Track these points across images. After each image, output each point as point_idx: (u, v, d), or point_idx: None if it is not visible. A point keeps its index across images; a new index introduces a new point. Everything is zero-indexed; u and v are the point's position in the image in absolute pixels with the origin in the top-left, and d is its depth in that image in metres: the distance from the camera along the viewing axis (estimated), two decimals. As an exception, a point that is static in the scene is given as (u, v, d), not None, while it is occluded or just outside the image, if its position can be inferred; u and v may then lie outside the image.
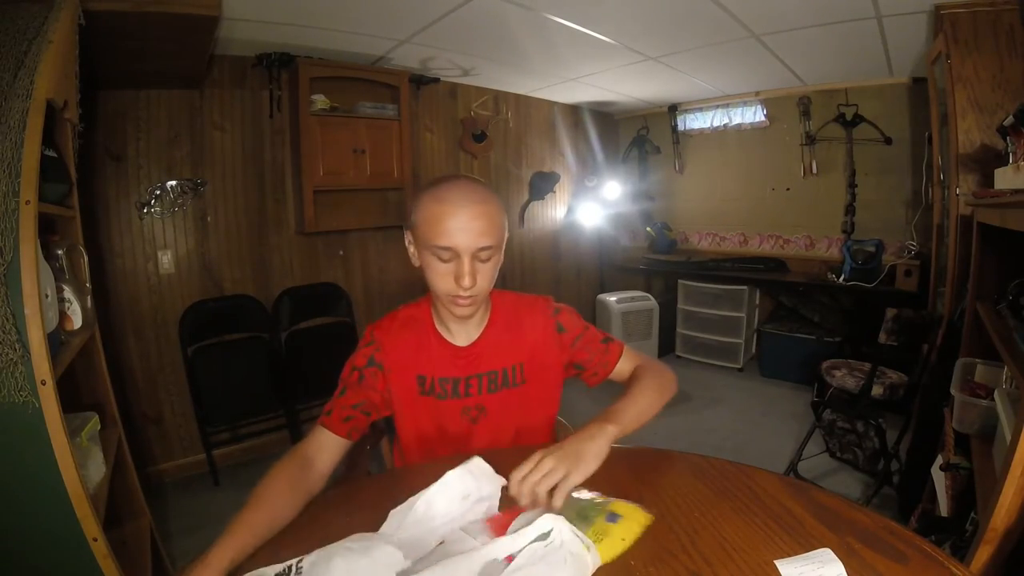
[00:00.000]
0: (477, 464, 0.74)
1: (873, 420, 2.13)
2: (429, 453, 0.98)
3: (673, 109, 3.99)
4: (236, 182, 2.57)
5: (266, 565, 0.61)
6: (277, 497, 0.75)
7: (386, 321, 0.98)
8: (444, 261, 0.83)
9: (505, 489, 0.71)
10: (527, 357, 0.97)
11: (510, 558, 0.58)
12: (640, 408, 0.83)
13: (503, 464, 0.74)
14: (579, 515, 0.68)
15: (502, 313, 0.98)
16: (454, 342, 0.95)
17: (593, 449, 0.73)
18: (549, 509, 0.66)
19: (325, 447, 0.87)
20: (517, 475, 0.69)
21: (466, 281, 0.81)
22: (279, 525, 0.72)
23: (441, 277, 0.84)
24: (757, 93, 3.58)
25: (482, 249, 0.82)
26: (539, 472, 0.68)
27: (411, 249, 0.90)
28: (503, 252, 0.89)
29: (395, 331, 0.96)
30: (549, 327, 0.98)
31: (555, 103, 3.91)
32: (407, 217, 0.88)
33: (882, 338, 2.45)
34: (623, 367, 0.99)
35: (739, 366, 3.66)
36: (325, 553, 0.59)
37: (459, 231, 0.80)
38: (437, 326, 0.96)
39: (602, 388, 1.04)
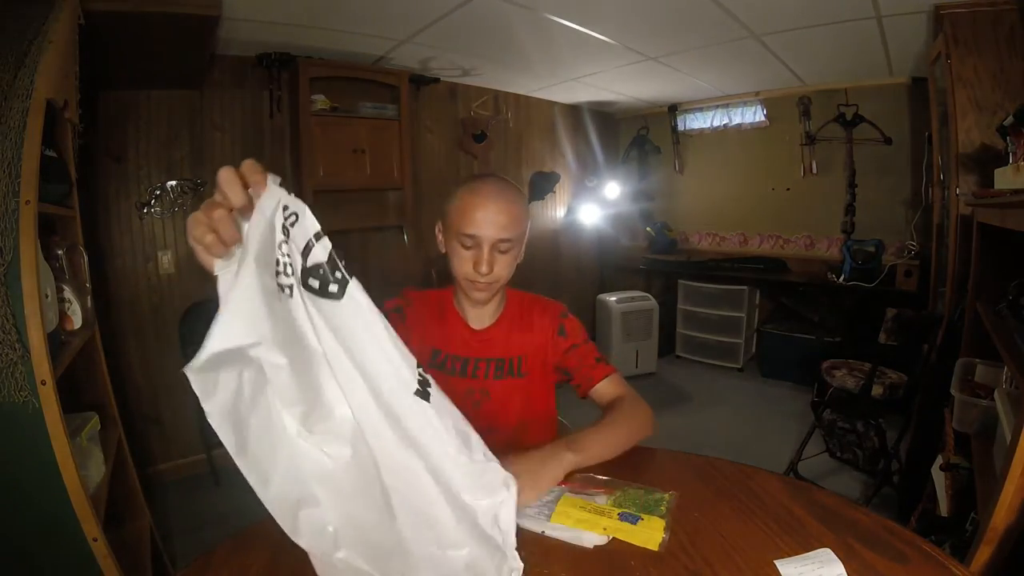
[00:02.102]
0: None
1: (873, 420, 2.13)
2: None
3: (673, 109, 3.99)
4: (236, 182, 2.56)
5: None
6: None
7: (418, 291, 1.07)
8: (467, 248, 0.91)
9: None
10: (530, 351, 1.03)
11: None
12: (607, 443, 0.83)
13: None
14: (643, 507, 0.70)
15: (516, 308, 1.06)
16: (470, 325, 1.03)
17: (548, 472, 0.73)
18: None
19: None
20: None
21: (483, 268, 0.89)
22: None
23: (463, 262, 0.92)
24: (757, 93, 3.58)
25: (502, 240, 0.90)
26: None
27: (440, 237, 0.98)
28: (523, 249, 0.98)
29: (425, 301, 1.05)
30: (553, 328, 1.04)
31: (555, 103, 3.91)
32: (441, 208, 0.97)
33: (882, 338, 2.45)
34: (605, 389, 0.99)
35: (739, 366, 3.66)
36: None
37: (484, 222, 0.88)
38: (457, 309, 1.03)
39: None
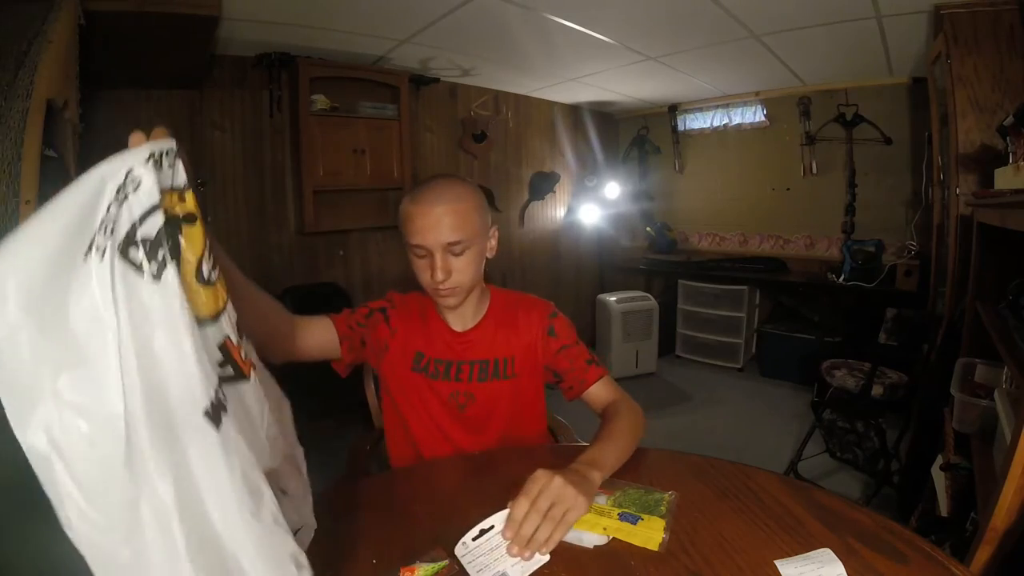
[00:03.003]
0: None
1: (873, 420, 2.13)
2: (421, 434, 1.00)
3: (673, 109, 3.99)
4: (236, 182, 2.56)
5: None
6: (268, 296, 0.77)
7: (402, 295, 1.06)
8: (420, 257, 0.89)
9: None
10: (520, 352, 1.02)
11: None
12: (620, 453, 0.83)
13: (491, 463, 0.74)
14: (643, 507, 0.71)
15: (499, 308, 1.04)
16: (452, 327, 1.01)
17: (587, 490, 0.70)
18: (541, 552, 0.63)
19: (317, 327, 0.91)
20: (519, 513, 0.65)
21: (438, 275, 0.87)
22: (258, 303, 0.73)
23: (421, 272, 0.91)
24: (757, 93, 3.58)
25: (452, 244, 0.87)
26: (538, 512, 0.65)
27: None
28: (489, 245, 0.96)
29: (410, 304, 1.04)
30: (542, 328, 1.03)
31: (555, 103, 3.91)
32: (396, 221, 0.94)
33: (882, 338, 2.46)
34: (598, 392, 0.99)
35: (739, 366, 3.66)
36: None
37: (428, 229, 0.86)
38: (438, 311, 1.02)
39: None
